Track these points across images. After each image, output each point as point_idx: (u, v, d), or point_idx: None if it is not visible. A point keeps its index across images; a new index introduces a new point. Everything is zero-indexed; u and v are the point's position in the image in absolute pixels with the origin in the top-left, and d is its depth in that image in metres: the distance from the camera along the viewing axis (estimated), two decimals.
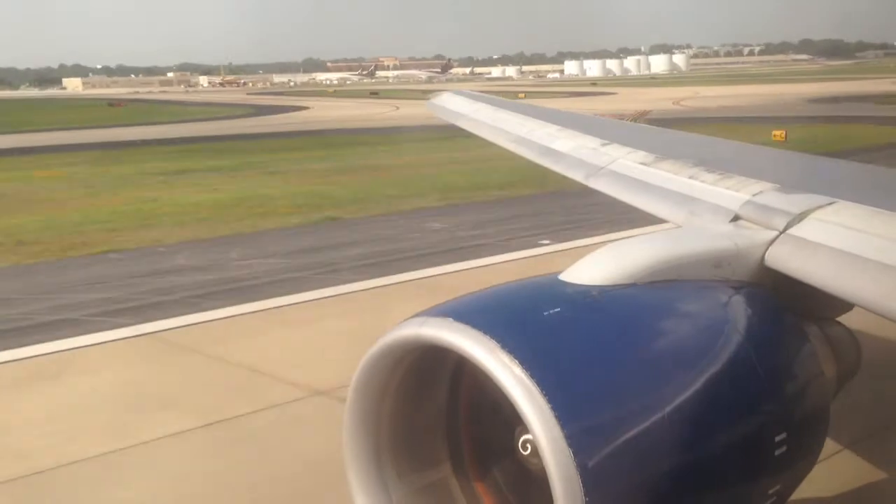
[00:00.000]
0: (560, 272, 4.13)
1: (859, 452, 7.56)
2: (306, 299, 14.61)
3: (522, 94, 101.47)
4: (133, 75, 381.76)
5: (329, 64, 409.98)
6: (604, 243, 4.42)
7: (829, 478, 5.05)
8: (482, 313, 3.75)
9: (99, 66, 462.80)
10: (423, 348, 3.80)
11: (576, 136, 8.47)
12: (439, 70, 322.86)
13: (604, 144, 7.79)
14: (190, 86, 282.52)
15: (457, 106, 12.24)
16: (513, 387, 3.40)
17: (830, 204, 4.79)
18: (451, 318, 3.65)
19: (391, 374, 3.97)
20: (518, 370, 3.41)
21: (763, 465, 3.92)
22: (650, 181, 6.49)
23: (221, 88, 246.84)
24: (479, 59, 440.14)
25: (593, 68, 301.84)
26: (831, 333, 4.73)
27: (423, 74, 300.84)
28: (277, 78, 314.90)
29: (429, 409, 4.25)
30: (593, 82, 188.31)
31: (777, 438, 3.92)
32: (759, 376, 3.93)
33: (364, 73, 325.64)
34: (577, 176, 7.62)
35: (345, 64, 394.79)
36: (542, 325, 3.71)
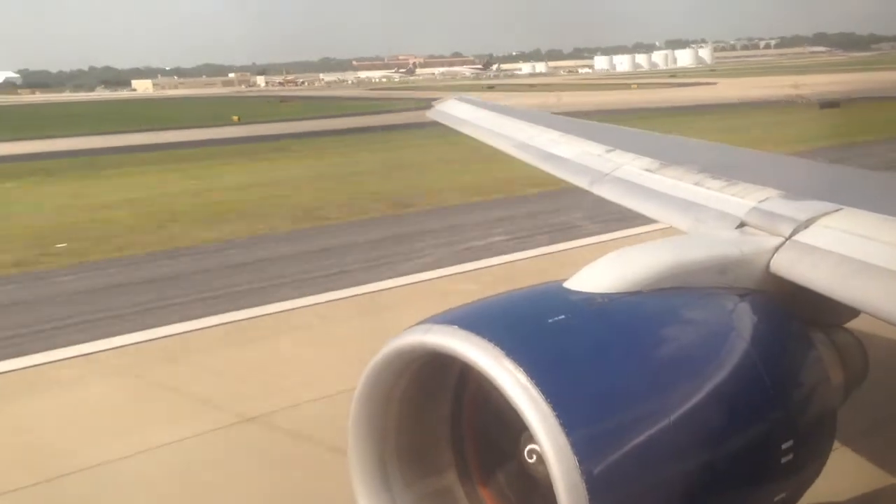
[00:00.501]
0: (565, 279, 4.12)
1: (863, 460, 7.55)
2: None
3: (635, 85, 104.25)
4: (201, 76, 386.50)
5: (354, 62, 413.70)
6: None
7: (832, 484, 5.02)
8: (487, 321, 3.74)
9: (168, 68, 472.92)
10: (427, 355, 3.80)
11: (579, 142, 8.46)
12: (482, 67, 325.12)
13: (608, 151, 7.78)
14: (249, 85, 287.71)
15: (461, 112, 12.24)
16: (517, 394, 3.40)
17: (837, 211, 4.78)
18: (456, 326, 3.65)
19: (396, 381, 3.96)
20: (523, 378, 3.41)
21: (769, 473, 3.91)
22: (655, 187, 6.48)
23: (281, 88, 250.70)
24: (497, 55, 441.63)
25: (623, 63, 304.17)
26: (838, 340, 4.71)
27: (467, 71, 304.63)
28: (326, 77, 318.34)
29: (434, 416, 4.24)
30: (671, 74, 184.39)
31: (783, 446, 3.90)
32: (765, 384, 3.92)
33: (403, 70, 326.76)
34: (581, 182, 7.61)
35: (370, 63, 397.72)
36: (547, 332, 3.71)
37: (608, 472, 3.38)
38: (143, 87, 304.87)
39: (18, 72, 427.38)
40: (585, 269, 4.15)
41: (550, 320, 3.77)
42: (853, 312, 4.71)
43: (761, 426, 3.91)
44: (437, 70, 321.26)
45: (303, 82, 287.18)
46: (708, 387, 3.76)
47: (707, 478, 3.73)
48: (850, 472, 7.06)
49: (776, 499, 4.04)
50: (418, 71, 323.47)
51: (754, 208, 5.14)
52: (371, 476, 4.08)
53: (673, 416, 3.58)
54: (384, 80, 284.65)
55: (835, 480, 4.98)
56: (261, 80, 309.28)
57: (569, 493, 3.31)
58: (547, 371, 3.47)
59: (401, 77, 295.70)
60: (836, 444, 4.40)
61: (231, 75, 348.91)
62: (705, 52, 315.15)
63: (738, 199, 5.40)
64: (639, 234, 15.26)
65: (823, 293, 4.31)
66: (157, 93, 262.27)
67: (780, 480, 3.98)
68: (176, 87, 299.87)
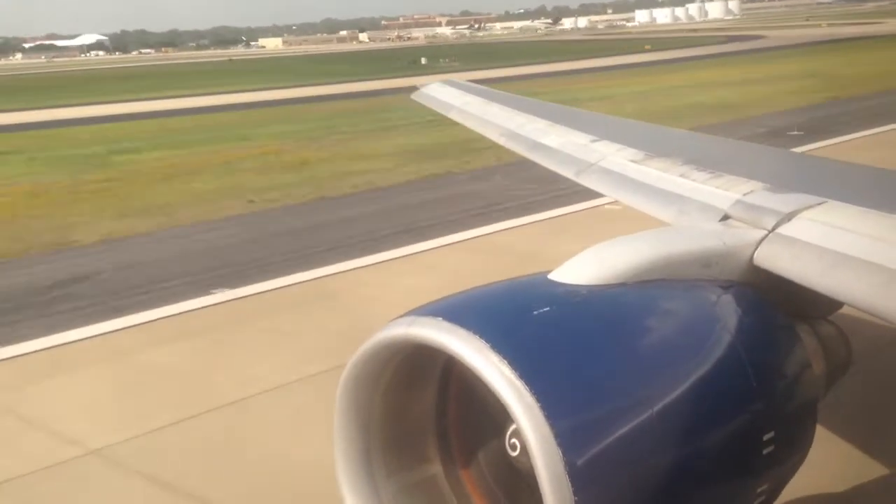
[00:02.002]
0: (549, 271, 4.13)
1: (846, 450, 7.60)
2: None
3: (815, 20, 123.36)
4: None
5: (384, 22, 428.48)
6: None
7: (814, 474, 5.05)
8: (471, 313, 3.75)
9: (294, 27, 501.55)
10: (412, 347, 3.80)
11: (566, 131, 8.45)
12: (551, 21, 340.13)
13: (594, 141, 7.77)
14: (358, 41, 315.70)
15: (447, 97, 12.12)
16: (502, 386, 3.41)
17: (820, 204, 4.80)
18: (440, 318, 3.66)
19: (381, 373, 3.97)
20: (507, 370, 3.42)
21: (751, 464, 3.94)
22: (640, 179, 6.48)
23: (395, 42, 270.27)
24: (492, 15, 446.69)
25: (664, 16, 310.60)
26: (821, 332, 4.74)
27: (541, 26, 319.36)
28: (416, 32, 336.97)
29: (419, 407, 4.25)
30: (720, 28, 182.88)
31: (765, 437, 3.93)
32: (748, 375, 3.94)
33: (476, 26, 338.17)
34: (567, 172, 7.61)
35: (401, 21, 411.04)
36: (532, 324, 3.72)
37: (591, 464, 3.39)
38: (272, 45, 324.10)
39: (109, 35, 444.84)
40: (570, 262, 4.16)
41: (535, 312, 3.77)
42: (836, 304, 4.74)
43: (744, 417, 3.93)
44: (516, 24, 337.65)
45: (408, 37, 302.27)
46: (692, 378, 3.78)
47: (690, 468, 3.76)
48: (832, 462, 7.11)
49: (758, 489, 4.07)
50: (488, 26, 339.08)
51: (738, 201, 5.16)
52: (355, 466, 4.09)
53: (657, 408, 3.60)
54: (451, 34, 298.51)
55: (816, 471, 5.02)
56: (364, 37, 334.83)
57: (552, 484, 3.33)
58: (531, 363, 3.48)
59: (471, 33, 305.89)
60: (818, 435, 4.43)
61: (342, 32, 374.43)
62: (734, 5, 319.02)
63: (723, 192, 5.41)
64: None
65: (806, 285, 4.34)
66: (288, 49, 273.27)
67: (763, 471, 4.01)
68: (300, 44, 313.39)
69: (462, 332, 3.56)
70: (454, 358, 3.62)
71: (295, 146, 33.89)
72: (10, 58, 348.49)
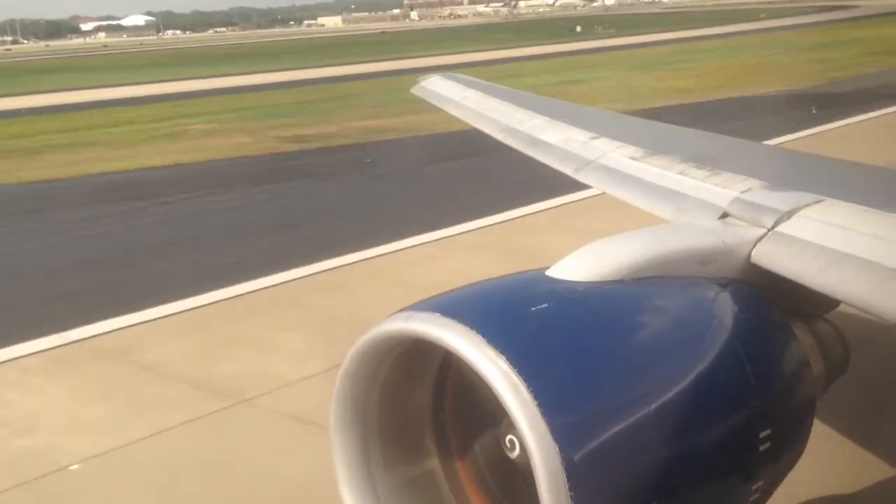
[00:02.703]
0: (547, 267, 4.14)
1: (842, 448, 7.63)
2: None
3: None
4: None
5: (406, 1, 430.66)
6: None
7: (809, 473, 5.07)
8: (469, 308, 3.76)
9: (353, 6, 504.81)
10: (409, 342, 3.81)
11: (565, 128, 8.45)
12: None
13: (593, 138, 7.77)
14: (410, 19, 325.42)
15: (446, 91, 12.10)
16: (498, 381, 3.42)
17: (819, 202, 4.80)
18: (438, 313, 3.67)
19: (378, 367, 3.98)
20: (504, 365, 3.43)
21: (747, 461, 3.95)
22: (639, 176, 6.48)
23: (449, 20, 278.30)
24: None
25: None
26: (819, 330, 4.75)
27: (579, 2, 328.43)
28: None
29: (416, 402, 4.26)
30: None
31: (762, 434, 3.94)
32: (746, 373, 3.95)
33: (514, 3, 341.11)
34: (566, 169, 7.61)
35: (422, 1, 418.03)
36: (529, 320, 3.73)
37: (588, 459, 3.40)
38: (332, 23, 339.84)
39: (154, 14, 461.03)
40: (568, 258, 4.17)
41: (532, 308, 3.78)
42: (833, 303, 4.75)
43: (741, 415, 3.94)
44: (558, 2, 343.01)
45: (460, 15, 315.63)
46: (689, 375, 3.79)
47: (686, 465, 3.77)
48: (827, 461, 7.13)
49: (754, 486, 4.08)
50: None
51: (737, 198, 5.16)
52: (352, 459, 4.10)
53: (653, 405, 3.61)
54: (491, 11, 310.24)
55: (812, 470, 5.04)
56: (414, 14, 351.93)
57: (549, 479, 3.34)
58: (528, 358, 3.49)
59: (508, 10, 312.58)
60: (815, 434, 4.44)
61: (395, 11, 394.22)
62: None
63: (722, 189, 5.41)
64: None
65: (804, 283, 4.34)
66: (349, 27, 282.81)
67: (758, 469, 4.02)
68: (357, 21, 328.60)
69: (459, 326, 3.57)
70: (451, 353, 3.63)
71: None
72: (93, 37, 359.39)
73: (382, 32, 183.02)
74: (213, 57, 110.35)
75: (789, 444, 4.21)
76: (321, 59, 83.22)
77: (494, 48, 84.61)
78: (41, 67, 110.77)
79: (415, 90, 13.03)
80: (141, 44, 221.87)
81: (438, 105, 11.99)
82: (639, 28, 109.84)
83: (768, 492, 4.22)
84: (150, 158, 29.32)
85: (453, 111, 11.32)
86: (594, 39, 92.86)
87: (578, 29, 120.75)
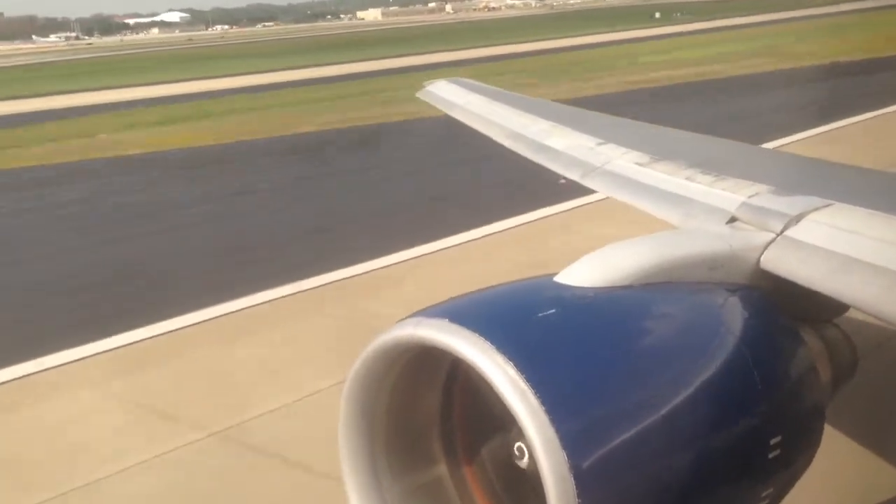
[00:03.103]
0: (555, 274, 4.13)
1: (851, 454, 7.59)
2: None
3: None
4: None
5: None
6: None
7: (819, 480, 5.05)
8: (478, 315, 3.75)
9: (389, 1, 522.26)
10: (418, 348, 3.80)
11: (571, 133, 8.45)
12: None
13: (599, 144, 7.77)
14: (445, 12, 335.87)
15: (451, 95, 12.07)
16: (507, 388, 3.40)
17: (827, 206, 4.78)
18: (446, 320, 3.65)
19: (387, 373, 3.97)
20: (512, 371, 3.41)
21: (757, 469, 3.93)
22: (646, 182, 6.47)
23: (485, 13, 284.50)
24: None
25: None
26: (827, 336, 4.73)
27: None
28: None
29: (425, 408, 4.25)
30: None
31: (772, 441, 3.92)
32: (754, 379, 3.93)
33: None
34: (573, 175, 7.61)
35: None
36: (537, 326, 3.71)
37: (596, 467, 3.39)
38: (371, 17, 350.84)
39: (188, 10, 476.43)
40: (575, 264, 4.15)
41: (541, 314, 3.77)
42: (842, 308, 4.73)
43: (750, 421, 3.92)
44: None
45: (494, 7, 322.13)
46: (697, 382, 3.76)
47: (695, 472, 3.75)
48: (838, 467, 7.09)
49: (763, 493, 4.05)
50: None
51: (745, 203, 5.14)
52: (361, 466, 4.09)
53: (662, 411, 3.59)
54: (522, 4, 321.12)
55: (822, 477, 5.01)
56: (449, 8, 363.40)
57: (557, 486, 3.32)
58: (536, 365, 3.47)
59: (540, 3, 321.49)
60: (824, 440, 4.42)
61: (431, 4, 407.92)
62: None
63: (729, 194, 5.39)
64: None
65: (813, 289, 4.32)
66: (388, 20, 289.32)
67: (768, 476, 3.99)
68: (396, 14, 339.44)
69: (467, 333, 3.55)
70: (460, 359, 3.62)
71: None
72: (146, 33, 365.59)
73: (460, 22, 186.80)
74: (337, 45, 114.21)
75: (799, 451, 4.18)
76: (455, 44, 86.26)
77: (603, 31, 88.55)
78: (199, 55, 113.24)
79: (420, 94, 13.00)
80: (191, 39, 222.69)
81: (443, 109, 11.95)
82: (713, 14, 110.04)
83: (778, 499, 4.19)
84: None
85: (458, 116, 11.28)
86: (690, 23, 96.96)
87: (657, 15, 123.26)
